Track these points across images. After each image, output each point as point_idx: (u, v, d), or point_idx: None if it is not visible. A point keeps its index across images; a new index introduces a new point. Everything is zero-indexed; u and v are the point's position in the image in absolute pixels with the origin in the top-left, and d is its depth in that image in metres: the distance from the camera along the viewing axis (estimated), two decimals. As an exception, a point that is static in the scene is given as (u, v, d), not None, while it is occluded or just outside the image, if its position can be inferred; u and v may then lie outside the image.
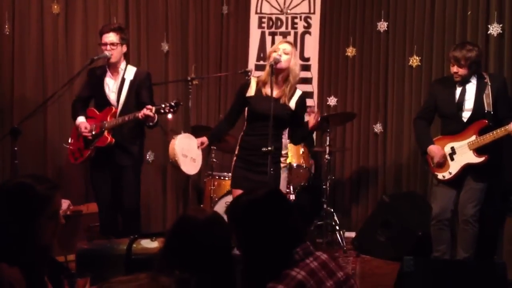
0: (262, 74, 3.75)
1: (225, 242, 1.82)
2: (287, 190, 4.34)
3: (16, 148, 3.67)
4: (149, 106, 3.91)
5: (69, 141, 4.33)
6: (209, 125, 5.59)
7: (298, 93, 3.75)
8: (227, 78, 5.85)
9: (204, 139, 3.90)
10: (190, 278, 1.51)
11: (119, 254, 3.35)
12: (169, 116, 4.03)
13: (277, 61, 3.60)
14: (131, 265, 2.74)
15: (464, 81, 3.96)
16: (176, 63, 5.58)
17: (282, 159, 3.76)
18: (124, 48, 4.16)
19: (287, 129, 3.82)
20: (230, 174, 5.06)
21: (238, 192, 3.69)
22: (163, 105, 3.94)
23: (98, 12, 5.09)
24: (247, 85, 3.81)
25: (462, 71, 3.91)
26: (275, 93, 3.64)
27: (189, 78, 4.55)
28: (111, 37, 4.06)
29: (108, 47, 4.05)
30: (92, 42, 5.05)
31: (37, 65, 4.85)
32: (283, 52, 3.65)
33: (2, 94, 4.83)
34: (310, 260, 1.81)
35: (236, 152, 3.82)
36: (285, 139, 3.82)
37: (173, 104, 3.91)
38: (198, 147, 3.90)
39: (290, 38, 5.49)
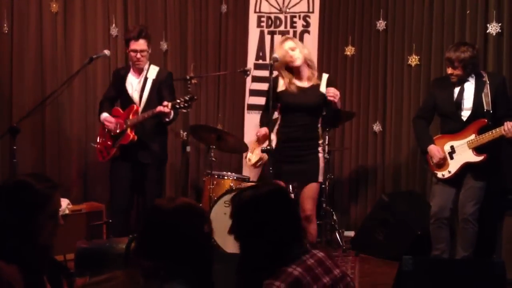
0: (285, 74, 3.83)
1: (196, 231, 1.76)
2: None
3: (15, 147, 3.66)
4: (165, 103, 4.00)
5: (97, 140, 4.43)
6: (208, 124, 5.59)
7: (325, 76, 3.88)
8: (226, 77, 5.85)
9: (263, 130, 3.85)
10: (160, 269, 1.50)
11: (118, 253, 3.35)
12: (184, 110, 4.10)
13: (275, 60, 3.69)
14: (130, 264, 2.73)
15: (462, 81, 3.96)
16: (175, 62, 5.57)
17: (319, 149, 3.86)
18: (150, 50, 4.27)
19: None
20: (229, 173, 5.12)
21: (280, 182, 3.76)
22: (178, 100, 3.99)
23: (96, 10, 5.09)
24: (276, 81, 3.88)
25: (457, 72, 3.92)
26: (305, 84, 3.80)
27: (188, 77, 4.56)
28: (142, 45, 4.15)
29: (138, 55, 4.13)
30: (91, 41, 5.05)
31: (35, 64, 4.84)
32: (290, 50, 3.75)
33: (1, 93, 4.82)
34: (306, 257, 1.83)
35: (275, 145, 3.80)
36: (321, 129, 3.90)
37: (187, 98, 3.98)
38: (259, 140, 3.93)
39: (289, 37, 5.48)
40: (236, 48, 5.83)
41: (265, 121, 3.91)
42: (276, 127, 3.90)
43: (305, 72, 3.82)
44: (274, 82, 3.87)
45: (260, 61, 5.66)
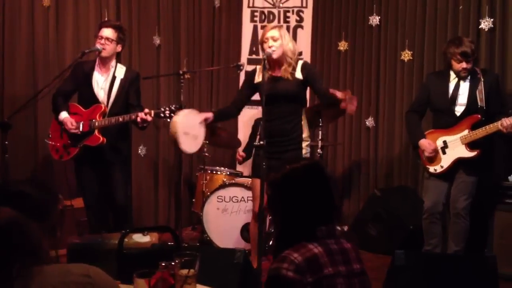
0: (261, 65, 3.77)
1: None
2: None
3: (6, 142, 3.64)
4: (147, 110, 3.90)
5: (49, 135, 4.25)
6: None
7: (300, 62, 3.77)
8: (219, 72, 5.84)
9: (210, 114, 3.81)
10: None
11: (110, 248, 3.34)
12: (169, 120, 3.88)
13: (269, 55, 3.60)
14: (123, 260, 2.72)
15: (463, 76, 3.98)
16: (168, 57, 5.55)
17: (304, 144, 3.76)
18: (119, 48, 4.14)
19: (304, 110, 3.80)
20: (222, 168, 5.12)
21: (258, 181, 3.68)
22: (162, 109, 3.93)
23: (89, 5, 5.05)
24: (253, 73, 3.86)
25: (470, 66, 3.95)
26: (280, 73, 3.70)
27: (181, 72, 4.52)
28: (109, 32, 4.05)
29: (103, 40, 4.03)
30: (83, 35, 5.01)
31: (27, 58, 4.80)
32: (272, 40, 3.66)
33: (-8, 88, 4.78)
34: (331, 242, 1.84)
35: (257, 141, 3.80)
36: (305, 121, 3.79)
37: (173, 108, 3.90)
38: (201, 122, 3.77)
39: (282, 32, 5.47)
40: (229, 43, 5.82)
41: (218, 111, 3.95)
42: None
43: (281, 64, 3.70)
44: (251, 75, 3.87)
45: (254, 56, 5.65)
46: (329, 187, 1.95)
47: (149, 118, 3.89)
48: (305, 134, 3.77)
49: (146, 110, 3.91)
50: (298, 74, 3.71)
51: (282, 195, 1.91)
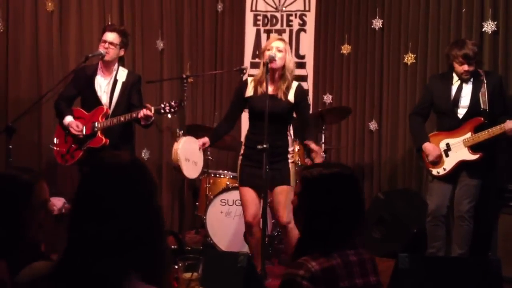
0: (258, 73, 3.76)
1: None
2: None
3: (10, 146, 3.66)
4: (149, 106, 3.92)
5: (55, 141, 4.27)
6: (204, 124, 5.59)
7: (294, 84, 3.77)
8: (222, 76, 5.85)
9: (206, 139, 3.90)
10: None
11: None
12: (169, 115, 4.01)
13: (272, 59, 3.61)
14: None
15: (466, 79, 3.97)
16: (171, 61, 5.57)
17: (289, 156, 3.78)
18: (122, 52, 4.17)
19: (290, 126, 3.84)
20: (225, 172, 5.12)
21: (247, 189, 3.73)
22: (162, 105, 3.95)
23: (92, 9, 5.07)
24: (244, 85, 3.84)
25: (471, 68, 3.94)
26: (272, 90, 3.67)
27: (184, 76, 4.55)
28: (112, 36, 4.08)
29: (107, 45, 4.06)
30: (87, 39, 5.03)
31: (31, 63, 4.82)
32: (276, 50, 3.66)
33: (-3, 92, 4.80)
34: (351, 253, 1.82)
35: (242, 152, 3.84)
36: (290, 137, 3.83)
37: (173, 104, 3.91)
38: (200, 148, 3.91)
39: (285, 36, 5.49)
40: (232, 46, 5.83)
41: (212, 134, 3.96)
42: (246, 133, 3.88)
43: (278, 79, 3.70)
44: (241, 88, 3.85)
45: (257, 60, 5.65)
46: (360, 195, 1.91)
47: (150, 113, 3.89)
48: (290, 148, 3.80)
49: (148, 106, 3.92)
50: (291, 97, 3.72)
51: (314, 199, 1.85)
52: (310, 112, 4.42)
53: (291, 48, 4.49)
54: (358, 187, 1.92)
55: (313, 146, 3.65)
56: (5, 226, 1.81)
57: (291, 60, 3.73)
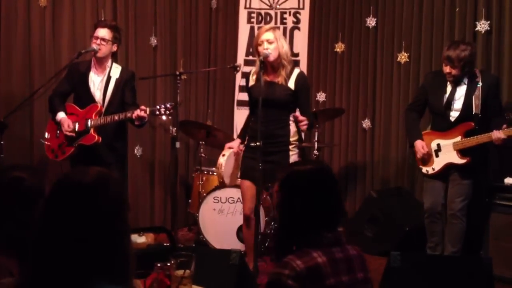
0: (255, 67, 3.76)
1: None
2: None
3: (2, 142, 3.63)
4: (143, 107, 3.89)
5: (46, 136, 4.24)
6: (197, 120, 5.58)
7: (296, 71, 3.75)
8: (215, 73, 5.84)
9: (235, 144, 3.94)
10: None
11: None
12: (163, 117, 3.98)
13: (266, 56, 3.61)
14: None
15: (457, 82, 3.96)
16: (165, 58, 5.55)
17: (290, 147, 3.75)
18: (114, 48, 4.14)
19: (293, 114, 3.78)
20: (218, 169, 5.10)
21: (247, 183, 3.73)
22: (158, 107, 3.93)
23: (85, 5, 5.04)
24: (247, 77, 3.85)
25: (455, 72, 3.87)
26: (272, 77, 3.69)
27: (177, 73, 4.52)
28: (104, 32, 4.05)
29: (99, 41, 4.03)
30: (80, 35, 5.00)
31: (23, 58, 4.79)
32: (267, 43, 3.65)
33: (-12, 88, 4.77)
34: (336, 250, 1.82)
35: (245, 142, 3.83)
36: (292, 126, 3.78)
37: (168, 106, 3.89)
38: (235, 154, 3.94)
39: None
40: (226, 44, 5.82)
41: (242, 132, 4.00)
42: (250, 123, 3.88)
43: (277, 67, 3.69)
44: (247, 79, 3.87)
45: (250, 57, 5.65)
46: (336, 191, 1.92)
47: (144, 114, 3.87)
48: (293, 138, 3.77)
49: (142, 107, 3.89)
50: (291, 83, 3.71)
51: (287, 197, 1.87)
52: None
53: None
54: (333, 182, 1.93)
55: (297, 114, 3.59)
56: (16, 222, 1.79)
57: (283, 45, 3.69)
